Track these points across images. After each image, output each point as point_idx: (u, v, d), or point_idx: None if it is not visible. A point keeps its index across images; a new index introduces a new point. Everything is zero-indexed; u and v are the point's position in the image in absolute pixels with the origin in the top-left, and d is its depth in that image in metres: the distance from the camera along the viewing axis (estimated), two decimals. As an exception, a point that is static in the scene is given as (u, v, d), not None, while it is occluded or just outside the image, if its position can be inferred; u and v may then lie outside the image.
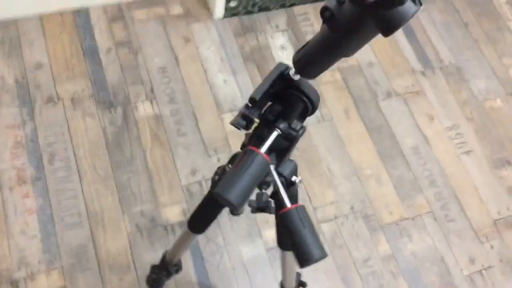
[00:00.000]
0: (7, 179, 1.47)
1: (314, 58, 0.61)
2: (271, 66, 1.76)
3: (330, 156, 1.65)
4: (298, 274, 1.21)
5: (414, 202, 1.64)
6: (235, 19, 1.85)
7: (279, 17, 1.88)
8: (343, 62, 1.83)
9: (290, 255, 1.09)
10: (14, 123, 1.55)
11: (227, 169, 0.82)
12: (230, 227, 1.51)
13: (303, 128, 0.71)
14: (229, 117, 1.67)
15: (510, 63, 1.95)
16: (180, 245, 1.14)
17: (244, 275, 1.44)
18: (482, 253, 1.59)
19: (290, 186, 0.80)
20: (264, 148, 0.67)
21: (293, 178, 0.82)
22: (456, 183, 1.69)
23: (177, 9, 1.83)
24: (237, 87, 1.72)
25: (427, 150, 1.73)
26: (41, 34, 1.71)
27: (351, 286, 1.48)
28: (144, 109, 1.64)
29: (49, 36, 1.71)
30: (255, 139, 0.71)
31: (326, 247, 1.50)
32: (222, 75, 1.74)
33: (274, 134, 0.68)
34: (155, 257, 1.39)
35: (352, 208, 1.59)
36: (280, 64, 0.67)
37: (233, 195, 0.64)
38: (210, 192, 0.92)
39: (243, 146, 0.81)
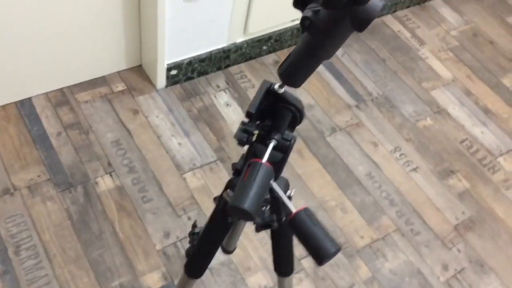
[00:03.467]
0: (-29, 280, 1.38)
1: (299, 65, 0.69)
2: (221, 122, 1.85)
3: (294, 195, 1.71)
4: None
5: (380, 223, 1.72)
6: (177, 87, 1.93)
7: (218, 78, 1.99)
8: (286, 108, 1.95)
9: (288, 281, 1.12)
10: (-30, 221, 1.48)
11: (225, 195, 0.85)
12: (214, 282, 1.49)
13: (294, 138, 0.78)
14: (191, 175, 1.70)
15: (429, 86, 2.17)
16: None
17: (239, 326, 1.42)
18: (452, 258, 1.68)
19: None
20: (265, 158, 0.72)
21: (288, 192, 0.87)
22: (412, 198, 1.80)
23: (120, 86, 1.88)
24: (193, 147, 1.77)
25: (379, 173, 1.84)
26: (-15, 129, 1.68)
27: (344, 314, 1.50)
28: (104, 183, 1.63)
29: (-6, 130, 1.68)
30: (253, 155, 0.77)
31: (309, 281, 1.53)
32: (176, 139, 1.78)
33: (272, 144, 0.74)
34: (146, 327, 1.33)
35: (325, 240, 1.64)
36: (265, 81, 0.74)
37: (247, 204, 0.68)
38: (206, 228, 0.95)
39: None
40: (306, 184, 1.76)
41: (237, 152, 1.78)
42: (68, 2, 1.59)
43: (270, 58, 2.10)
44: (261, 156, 0.73)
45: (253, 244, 1.58)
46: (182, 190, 1.66)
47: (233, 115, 1.88)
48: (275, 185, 0.78)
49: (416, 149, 1.94)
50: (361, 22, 0.62)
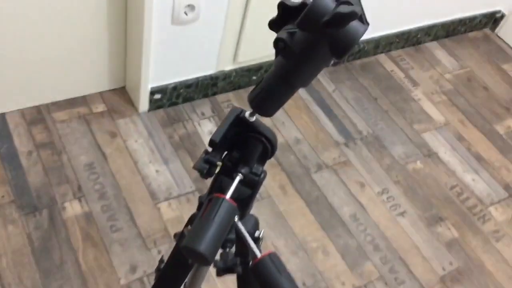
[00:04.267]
0: None
1: (271, 92, 0.62)
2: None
3: (274, 233, 1.62)
4: None
5: (363, 269, 1.62)
6: (160, 111, 1.85)
7: (204, 105, 1.92)
8: (272, 142, 1.88)
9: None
10: None
11: (186, 232, 0.76)
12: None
13: (264, 172, 0.69)
14: (165, 206, 1.60)
15: (420, 128, 2.11)
16: None
17: None
18: (437, 311, 1.58)
19: (255, 241, 0.76)
20: (229, 193, 0.64)
21: (257, 233, 0.78)
22: (397, 244, 1.71)
23: (100, 107, 1.81)
24: (171, 176, 1.68)
25: (364, 216, 1.75)
26: (-49, 143, 1.59)
27: None
28: (72, 209, 1.53)
29: (-39, 144, 1.59)
30: (217, 189, 0.68)
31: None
32: (153, 166, 1.69)
33: (238, 178, 0.66)
34: None
35: (304, 284, 1.54)
36: (234, 108, 0.67)
37: (203, 246, 0.59)
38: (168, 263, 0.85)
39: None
40: (287, 223, 1.67)
41: (216, 184, 1.69)
42: (51, 15, 1.53)
43: (259, 89, 2.04)
44: (225, 191, 0.64)
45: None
46: (154, 221, 1.56)
47: (216, 145, 1.80)
48: (240, 225, 0.69)
49: (404, 193, 1.86)
50: (340, 48, 0.55)
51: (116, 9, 1.62)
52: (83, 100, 1.81)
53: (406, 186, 1.89)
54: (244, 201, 0.70)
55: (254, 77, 2.00)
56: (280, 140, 1.90)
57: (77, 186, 1.59)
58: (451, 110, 2.24)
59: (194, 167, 0.63)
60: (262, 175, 0.69)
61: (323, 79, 2.19)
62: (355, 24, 0.54)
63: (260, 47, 1.89)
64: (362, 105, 2.14)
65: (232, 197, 0.64)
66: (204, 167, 0.63)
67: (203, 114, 1.89)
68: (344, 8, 0.51)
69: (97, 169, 1.64)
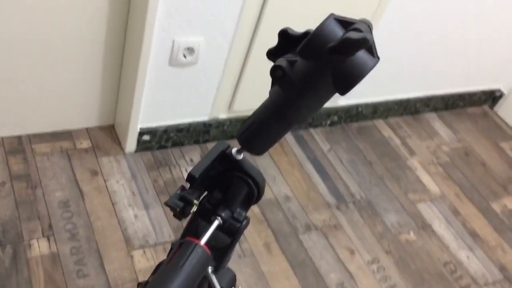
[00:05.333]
0: None
1: (263, 127, 0.54)
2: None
3: (253, 295, 1.50)
4: None
5: None
6: (147, 153, 1.78)
7: (193, 152, 1.84)
8: (260, 196, 1.79)
9: None
10: None
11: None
12: None
13: (247, 219, 0.61)
14: (140, 254, 1.49)
15: (415, 198, 2.04)
16: None
17: None
18: None
19: (229, 300, 0.66)
20: (204, 239, 0.55)
21: (232, 290, 0.69)
22: (385, 319, 1.58)
23: (85, 143, 1.73)
24: (150, 222, 1.58)
25: (352, 285, 1.64)
26: None
27: None
28: (38, 248, 1.41)
29: None
30: (191, 233, 0.59)
31: None
32: (132, 210, 1.59)
33: (216, 222, 0.57)
34: None
35: None
36: (221, 142, 0.59)
37: (166, 298, 0.50)
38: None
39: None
40: (269, 284, 1.55)
41: (197, 235, 1.59)
42: (46, 44, 1.48)
43: (253, 142, 1.98)
44: (200, 236, 0.56)
45: None
46: (126, 269, 1.44)
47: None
48: (213, 278, 0.60)
49: (395, 264, 1.76)
50: (345, 81, 0.48)
51: (114, 44, 1.58)
52: (68, 135, 1.74)
53: (397, 257, 1.78)
54: (221, 250, 0.61)
55: (249, 129, 1.94)
56: (269, 195, 1.81)
57: (47, 224, 1.48)
58: (447, 183, 2.17)
59: (166, 203, 0.55)
60: (245, 222, 0.60)
61: (319, 138, 2.14)
62: (364, 55, 0.47)
63: (258, 98, 1.83)
64: (357, 168, 2.07)
65: (207, 243, 0.55)
66: (178, 205, 0.54)
67: (191, 160, 1.81)
68: (354, 34, 0.44)
69: (72, 208, 1.54)
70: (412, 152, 2.25)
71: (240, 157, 0.59)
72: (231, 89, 1.76)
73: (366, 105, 2.26)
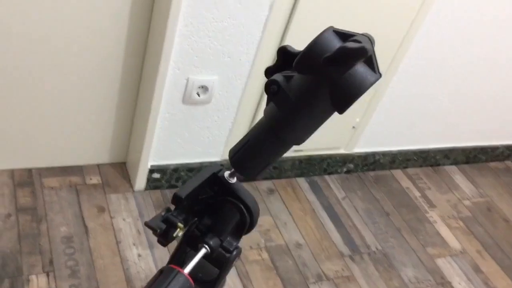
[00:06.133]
0: None
1: (256, 147, 0.51)
2: (193, 241, 1.62)
3: None
4: None
5: None
6: (157, 192, 1.74)
7: (204, 193, 1.80)
8: (270, 241, 1.72)
9: None
10: None
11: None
12: None
13: (238, 249, 0.56)
14: (140, 295, 1.43)
15: (434, 252, 1.94)
16: None
17: None
18: None
19: None
20: (188, 268, 0.50)
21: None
22: None
23: (94, 179, 1.71)
24: (153, 263, 1.52)
25: None
26: None
27: None
28: (37, 284, 1.37)
29: None
30: (177, 261, 0.55)
31: None
32: (137, 249, 1.54)
33: (202, 250, 0.52)
34: None
35: None
36: (213, 164, 0.56)
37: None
38: None
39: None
40: (274, 336, 1.46)
41: (202, 279, 1.52)
42: (63, 79, 1.49)
43: (265, 185, 1.93)
44: (184, 264, 0.51)
45: None
46: (124, 311, 1.38)
47: (209, 237, 1.66)
48: (198, 313, 0.55)
49: (411, 322, 1.65)
50: (343, 97, 0.44)
51: (129, 82, 1.59)
52: (79, 170, 1.72)
53: (414, 314, 1.67)
54: (209, 285, 0.56)
55: (261, 172, 1.90)
56: (279, 241, 1.74)
57: (49, 259, 1.43)
58: (469, 238, 2.07)
59: (146, 223, 0.50)
60: (235, 252, 0.56)
61: (334, 185, 2.08)
62: (363, 69, 0.44)
63: (271, 141, 1.81)
64: (373, 218, 2.00)
65: (192, 274, 0.51)
66: (159, 226, 0.50)
67: (201, 202, 1.77)
68: (351, 44, 0.41)
69: (75, 244, 1.50)
70: (431, 205, 2.17)
71: (233, 180, 0.55)
72: (245, 130, 1.73)
73: (384, 154, 2.20)
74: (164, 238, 0.51)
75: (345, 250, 1.81)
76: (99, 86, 1.56)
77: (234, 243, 0.56)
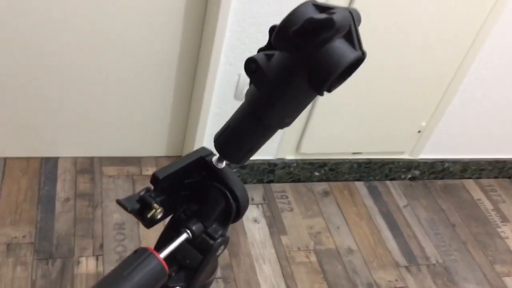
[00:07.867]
0: None
1: (238, 130, 0.48)
2: (241, 237, 1.61)
3: None
4: None
5: None
6: (209, 187, 1.76)
7: (256, 190, 1.79)
8: (320, 244, 1.67)
9: None
10: None
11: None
12: None
13: (224, 237, 0.54)
14: (181, 287, 1.44)
15: (503, 271, 1.77)
16: None
17: None
18: None
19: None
20: (164, 252, 0.49)
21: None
22: None
23: (151, 170, 1.76)
24: (198, 256, 1.53)
25: None
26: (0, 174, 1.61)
27: None
28: (86, 266, 1.43)
29: (8, 177, 1.60)
30: (157, 244, 0.53)
31: None
32: (183, 241, 1.56)
33: (183, 236, 0.51)
34: None
35: None
36: (203, 148, 0.54)
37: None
38: None
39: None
40: None
41: (246, 274, 1.51)
42: (126, 77, 1.55)
43: (321, 187, 1.88)
44: (161, 247, 0.50)
45: None
46: (165, 300, 1.40)
47: (257, 234, 1.64)
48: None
49: None
50: (318, 74, 0.41)
51: (185, 78, 1.62)
52: (137, 161, 1.78)
53: (473, 335, 1.54)
54: (189, 272, 0.54)
55: (317, 173, 1.85)
56: (330, 245, 1.68)
57: (99, 244, 1.49)
58: (547, 258, 1.87)
59: (118, 201, 0.50)
60: (220, 240, 0.53)
61: (395, 191, 1.98)
62: (342, 45, 0.40)
63: (326, 142, 1.76)
64: (436, 229, 1.87)
65: (167, 257, 0.49)
66: (132, 206, 0.49)
67: (252, 199, 1.76)
68: (319, 15, 0.38)
69: (126, 231, 1.55)
70: (505, 219, 1.99)
71: (222, 165, 0.53)
72: (299, 130, 1.70)
73: (454, 162, 2.06)
74: (143, 220, 0.50)
75: (401, 260, 1.71)
76: (157, 83, 1.60)
77: (220, 231, 0.53)
